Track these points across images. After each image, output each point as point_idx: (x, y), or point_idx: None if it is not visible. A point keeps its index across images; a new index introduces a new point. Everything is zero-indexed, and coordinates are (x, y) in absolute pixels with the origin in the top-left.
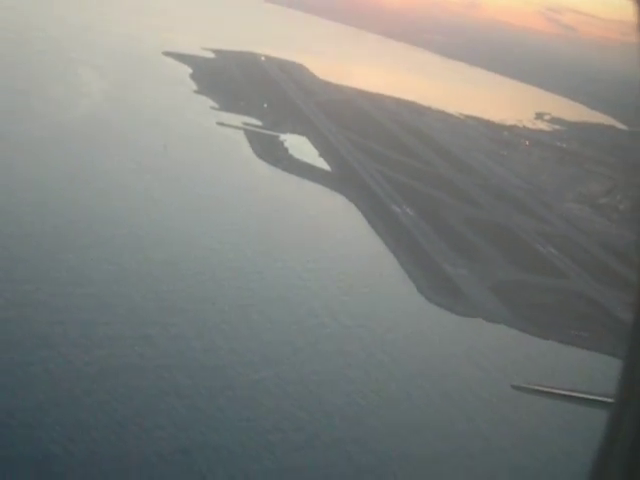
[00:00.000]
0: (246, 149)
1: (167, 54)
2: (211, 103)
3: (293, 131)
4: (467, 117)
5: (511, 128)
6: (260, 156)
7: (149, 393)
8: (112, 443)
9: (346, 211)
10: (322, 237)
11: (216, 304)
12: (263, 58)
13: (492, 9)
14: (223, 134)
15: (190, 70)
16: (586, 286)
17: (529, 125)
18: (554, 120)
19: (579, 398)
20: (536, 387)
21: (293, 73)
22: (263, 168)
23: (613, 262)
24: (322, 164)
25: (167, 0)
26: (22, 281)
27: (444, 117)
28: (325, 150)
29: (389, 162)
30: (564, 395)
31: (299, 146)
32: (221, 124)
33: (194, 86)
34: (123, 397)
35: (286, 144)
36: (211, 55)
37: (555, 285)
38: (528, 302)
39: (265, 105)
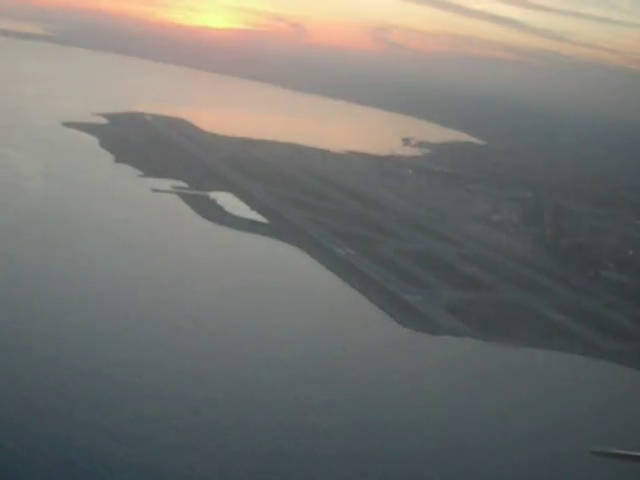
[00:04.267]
0: (189, 211)
1: (67, 125)
2: (135, 171)
3: (217, 189)
4: (347, 152)
5: (390, 158)
6: (205, 217)
7: None
8: None
9: (301, 259)
10: (296, 285)
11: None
12: (149, 118)
13: (319, 33)
14: (162, 200)
15: (96, 139)
16: (514, 295)
17: (402, 152)
18: (420, 144)
19: None
20: (617, 451)
21: (182, 130)
22: (213, 228)
23: (525, 271)
24: (258, 217)
25: (28, 65)
26: None
27: (329, 155)
28: (253, 204)
29: (309, 207)
30: None
31: (230, 203)
32: (156, 190)
33: (110, 155)
34: None
35: (219, 202)
36: (104, 120)
37: (491, 298)
38: (478, 316)
39: (180, 166)
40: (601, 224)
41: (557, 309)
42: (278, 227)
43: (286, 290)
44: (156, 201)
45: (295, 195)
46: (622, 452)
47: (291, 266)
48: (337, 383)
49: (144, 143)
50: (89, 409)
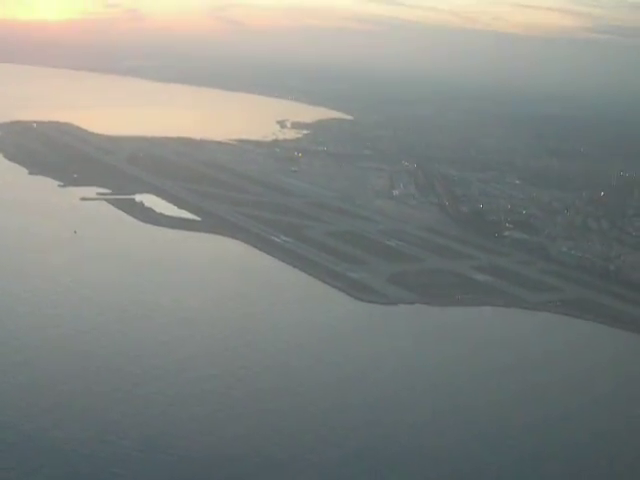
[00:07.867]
0: (124, 216)
1: None
2: (53, 182)
3: (138, 191)
4: (237, 141)
5: (276, 143)
6: (141, 220)
7: None
8: None
9: (246, 250)
10: (252, 274)
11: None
12: (35, 125)
13: (158, 19)
14: (94, 208)
15: None
16: (438, 262)
17: (284, 136)
18: (296, 125)
19: None
20: None
21: (74, 134)
22: (154, 230)
23: (439, 239)
24: (188, 215)
25: None
26: None
27: (223, 147)
28: (177, 202)
29: (228, 200)
30: None
31: (156, 203)
32: (85, 199)
33: (21, 168)
34: None
35: (146, 204)
36: None
37: (421, 268)
38: (418, 284)
39: (93, 173)
40: (487, 188)
41: (479, 270)
42: (211, 222)
43: (245, 279)
44: (90, 209)
45: (210, 190)
46: None
47: (240, 257)
48: (341, 356)
49: (46, 152)
50: None
